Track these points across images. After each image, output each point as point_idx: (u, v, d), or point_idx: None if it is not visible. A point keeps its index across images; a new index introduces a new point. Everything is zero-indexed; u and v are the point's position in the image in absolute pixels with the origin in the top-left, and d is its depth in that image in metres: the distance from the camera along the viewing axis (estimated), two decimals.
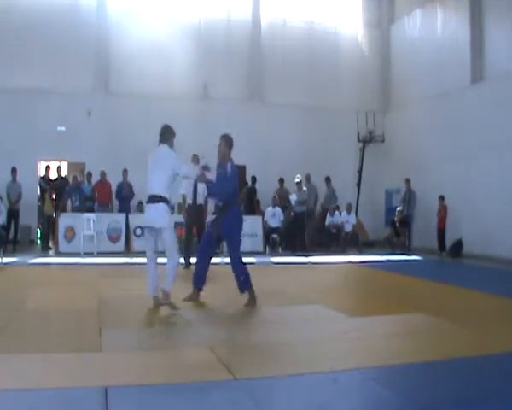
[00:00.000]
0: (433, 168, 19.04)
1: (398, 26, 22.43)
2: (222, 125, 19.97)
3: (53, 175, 18.62)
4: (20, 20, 18.50)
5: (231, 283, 8.32)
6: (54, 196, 17.94)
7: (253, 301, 8.20)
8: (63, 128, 18.90)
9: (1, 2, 18.69)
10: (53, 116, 18.73)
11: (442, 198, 17.77)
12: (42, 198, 18.19)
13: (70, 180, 17.97)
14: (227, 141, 8.73)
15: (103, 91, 19.68)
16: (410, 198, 18.93)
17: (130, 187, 17.93)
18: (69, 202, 17.44)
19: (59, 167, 18.71)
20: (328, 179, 19.92)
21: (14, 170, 17.27)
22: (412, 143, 20.42)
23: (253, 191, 19.72)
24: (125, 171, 17.91)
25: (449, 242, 17.70)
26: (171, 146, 8.03)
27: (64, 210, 17.25)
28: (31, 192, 18.12)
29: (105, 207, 17.71)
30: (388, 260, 16.25)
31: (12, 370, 4.96)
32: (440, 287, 10.83)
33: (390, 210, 20.81)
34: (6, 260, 13.73)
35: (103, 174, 17.75)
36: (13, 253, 15.60)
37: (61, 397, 4.33)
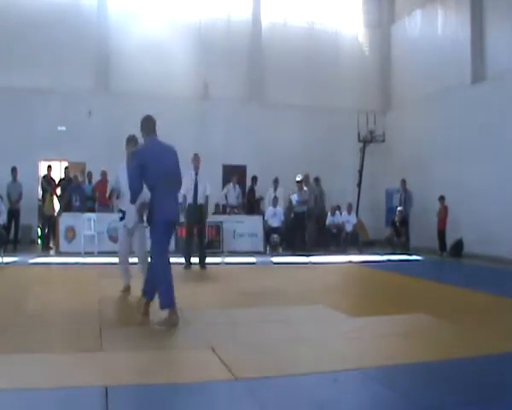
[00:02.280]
0: (434, 168, 19.02)
1: (399, 26, 22.42)
2: (222, 125, 20.08)
3: (58, 175, 18.63)
4: (20, 20, 18.48)
5: (231, 282, 8.33)
6: (58, 196, 17.97)
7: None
8: (63, 128, 18.88)
9: (0, 2, 18.69)
10: (53, 116, 18.71)
11: (442, 198, 17.76)
12: (43, 198, 18.18)
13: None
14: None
15: (103, 91, 19.67)
16: (405, 198, 19.00)
17: None
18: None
19: (66, 168, 18.71)
20: (317, 180, 19.87)
21: (14, 170, 17.28)
22: (412, 143, 20.42)
23: (252, 191, 19.76)
24: None
25: (449, 242, 17.70)
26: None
27: (69, 210, 17.27)
28: (31, 192, 18.11)
29: (106, 206, 17.71)
30: (389, 260, 16.25)
31: (12, 370, 4.97)
32: (440, 287, 10.83)
33: (390, 210, 20.78)
34: (6, 259, 13.74)
35: (104, 174, 17.74)
36: (13, 252, 15.61)
37: (61, 397, 4.35)
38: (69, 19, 19.00)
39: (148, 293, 7.09)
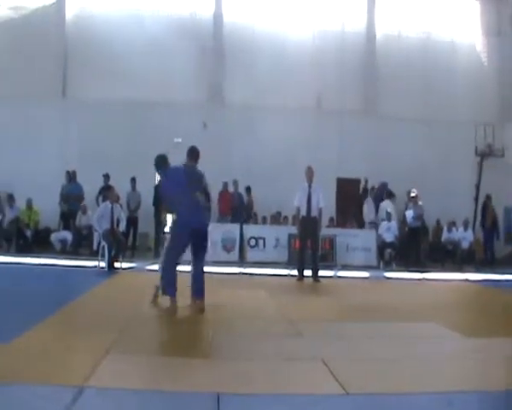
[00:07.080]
0: None
1: None
2: (335, 137, 20.02)
3: None
4: (141, 36, 19.28)
5: (344, 295, 8.24)
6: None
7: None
8: (179, 140, 19.47)
9: (124, 21, 19.66)
10: (171, 128, 19.39)
11: None
12: (156, 206, 18.67)
13: None
14: None
15: (219, 104, 20.21)
16: None
17: (239, 197, 18.31)
18: None
19: None
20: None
21: (133, 179, 18.08)
22: None
23: (361, 204, 19.50)
24: (236, 182, 18.30)
25: None
26: None
27: None
28: (149, 201, 18.74)
29: (225, 217, 18.08)
30: (507, 280, 15.52)
31: (127, 370, 5.16)
32: None
33: (510, 227, 19.87)
34: (125, 265, 14.35)
35: (225, 185, 18.23)
36: (131, 258, 16.27)
37: (174, 400, 4.45)
38: (185, 33, 19.65)
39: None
